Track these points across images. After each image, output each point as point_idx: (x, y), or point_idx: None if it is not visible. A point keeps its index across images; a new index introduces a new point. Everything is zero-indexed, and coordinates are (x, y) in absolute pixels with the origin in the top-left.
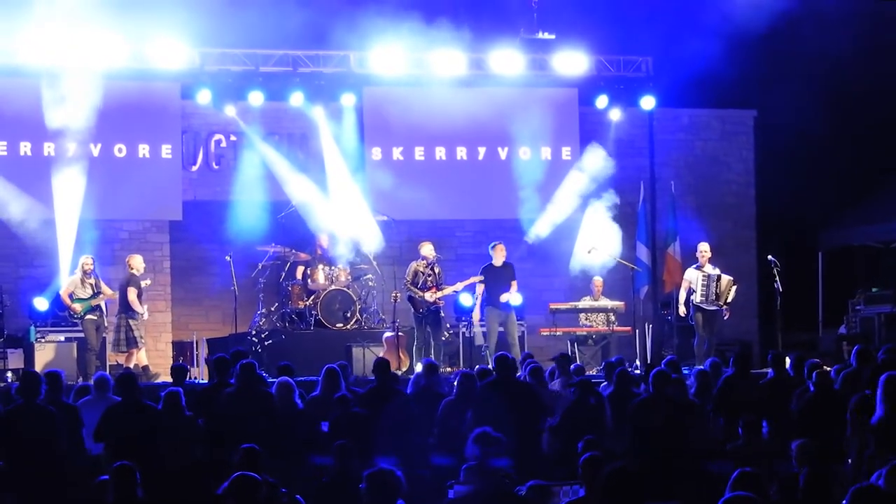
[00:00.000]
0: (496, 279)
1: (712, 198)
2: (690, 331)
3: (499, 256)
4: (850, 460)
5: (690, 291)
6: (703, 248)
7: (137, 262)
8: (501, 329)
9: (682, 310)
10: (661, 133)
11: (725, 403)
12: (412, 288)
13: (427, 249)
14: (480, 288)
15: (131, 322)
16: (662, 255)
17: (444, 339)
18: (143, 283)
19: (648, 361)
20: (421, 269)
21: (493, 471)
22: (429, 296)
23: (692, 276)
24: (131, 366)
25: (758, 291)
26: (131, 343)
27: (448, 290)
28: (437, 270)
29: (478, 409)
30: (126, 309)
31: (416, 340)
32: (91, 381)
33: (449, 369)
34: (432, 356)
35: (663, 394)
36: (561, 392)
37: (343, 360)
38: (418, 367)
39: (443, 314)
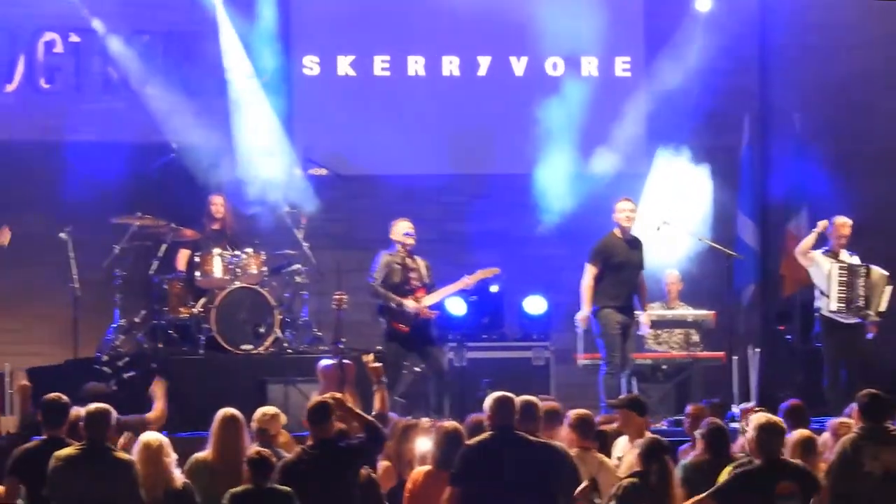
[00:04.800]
0: (622, 262)
1: (864, 140)
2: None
3: (626, 223)
4: None
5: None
6: (841, 223)
7: None
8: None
9: (832, 304)
10: (779, 36)
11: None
12: (381, 290)
13: (402, 230)
14: (591, 274)
15: None
16: (780, 235)
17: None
18: None
19: (754, 403)
20: (397, 261)
21: None
22: (412, 303)
23: (823, 264)
24: None
25: None
26: None
27: (444, 292)
28: (421, 263)
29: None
30: None
31: (394, 377)
32: None
33: (427, 421)
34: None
35: None
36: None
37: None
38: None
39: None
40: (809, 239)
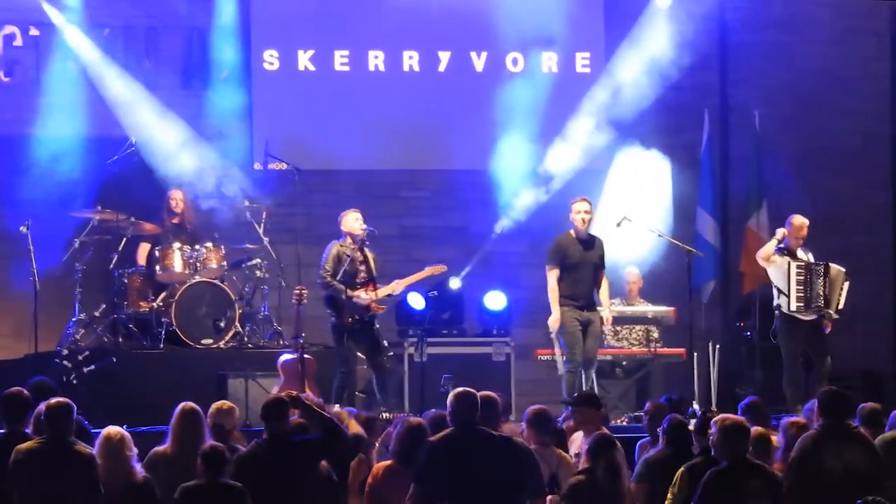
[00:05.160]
0: (577, 262)
1: (823, 138)
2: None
3: (582, 222)
4: None
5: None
6: (799, 224)
7: None
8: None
9: (792, 304)
10: (740, 31)
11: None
12: (335, 283)
13: (351, 222)
14: (553, 277)
15: None
16: (740, 232)
17: (387, 366)
18: None
19: (713, 404)
20: (347, 252)
21: None
22: (363, 295)
23: (781, 263)
24: None
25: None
26: None
27: (394, 287)
28: (370, 256)
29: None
30: None
31: (339, 371)
32: None
33: (386, 415)
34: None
35: None
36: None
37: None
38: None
39: (378, 325)
40: (769, 246)
